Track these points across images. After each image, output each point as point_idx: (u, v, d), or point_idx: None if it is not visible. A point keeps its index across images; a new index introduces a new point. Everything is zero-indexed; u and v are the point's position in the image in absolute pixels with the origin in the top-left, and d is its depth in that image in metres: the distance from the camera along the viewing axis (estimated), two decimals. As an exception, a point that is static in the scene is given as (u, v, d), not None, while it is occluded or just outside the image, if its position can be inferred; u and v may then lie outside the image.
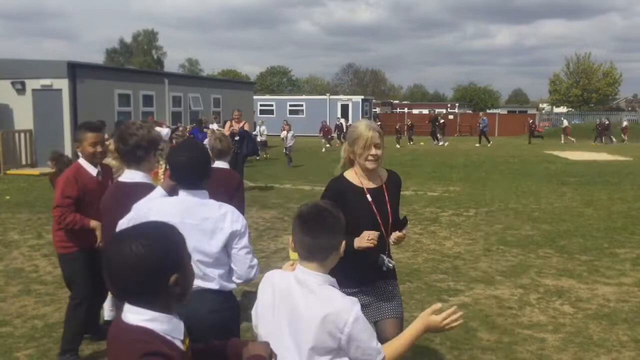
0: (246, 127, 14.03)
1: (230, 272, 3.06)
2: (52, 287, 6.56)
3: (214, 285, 3.00)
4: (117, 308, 4.12)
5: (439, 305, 2.30)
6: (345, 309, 2.11)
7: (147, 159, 3.55)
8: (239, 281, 3.09)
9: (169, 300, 1.62)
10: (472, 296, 6.33)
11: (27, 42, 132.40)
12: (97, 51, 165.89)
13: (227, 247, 3.00)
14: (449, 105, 61.40)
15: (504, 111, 57.74)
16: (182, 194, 3.04)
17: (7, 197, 12.79)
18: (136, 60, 75.48)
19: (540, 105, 75.83)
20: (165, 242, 1.60)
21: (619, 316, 5.74)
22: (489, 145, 31.86)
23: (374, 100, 51.27)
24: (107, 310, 5.40)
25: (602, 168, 20.13)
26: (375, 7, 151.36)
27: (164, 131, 14.27)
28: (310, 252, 2.21)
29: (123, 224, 3.05)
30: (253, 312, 2.39)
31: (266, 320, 2.27)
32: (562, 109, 60.19)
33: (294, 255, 2.71)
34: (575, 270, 7.32)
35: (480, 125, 33.95)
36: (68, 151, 18.54)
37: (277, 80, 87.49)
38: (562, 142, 34.71)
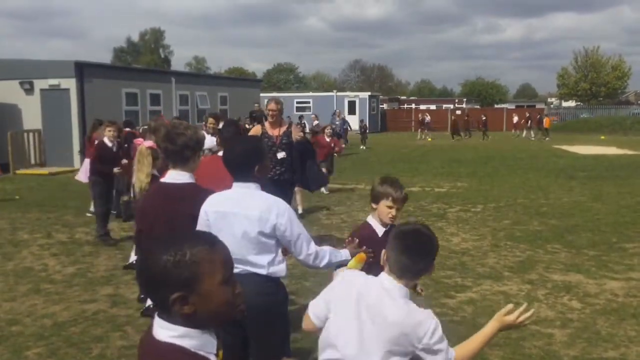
0: (295, 135, 7.08)
1: (277, 260, 3.18)
2: (61, 286, 6.60)
3: (262, 271, 3.11)
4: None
5: (511, 306, 2.46)
6: (426, 322, 2.23)
7: (193, 159, 3.59)
8: (307, 265, 3.25)
9: (188, 320, 1.49)
10: (480, 292, 6.32)
11: (35, 41, 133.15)
12: (104, 50, 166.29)
13: (273, 236, 3.12)
14: (456, 100, 61.12)
15: (511, 106, 57.47)
16: (234, 186, 3.22)
17: (17, 197, 12.86)
18: (143, 59, 75.63)
19: (549, 100, 75.47)
20: (168, 254, 1.47)
21: (627, 311, 5.71)
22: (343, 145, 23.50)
23: (381, 97, 51.20)
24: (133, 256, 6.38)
25: (611, 162, 20.04)
26: (383, 1, 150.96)
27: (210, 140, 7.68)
28: (403, 271, 2.30)
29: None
30: (317, 307, 2.46)
31: (344, 321, 2.33)
32: (571, 103, 59.83)
33: (353, 264, 2.91)
34: (583, 266, 7.29)
35: (338, 126, 25.45)
36: (76, 150, 18.72)
37: (284, 78, 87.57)
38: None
